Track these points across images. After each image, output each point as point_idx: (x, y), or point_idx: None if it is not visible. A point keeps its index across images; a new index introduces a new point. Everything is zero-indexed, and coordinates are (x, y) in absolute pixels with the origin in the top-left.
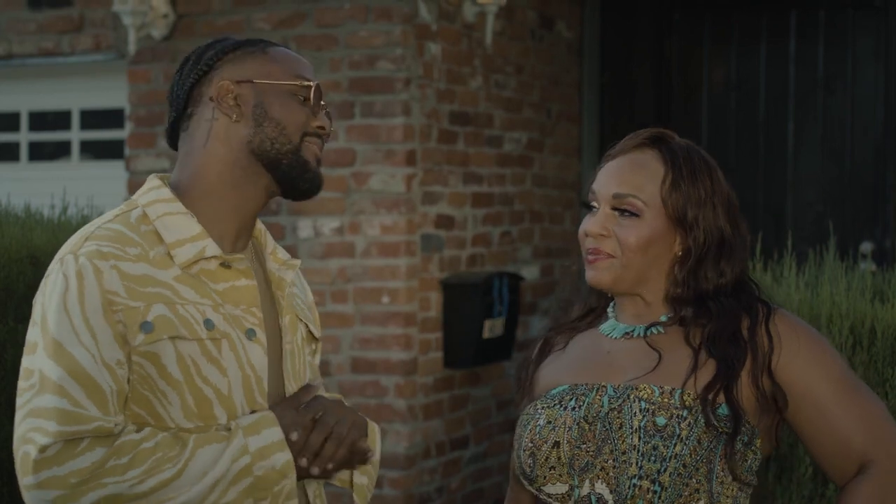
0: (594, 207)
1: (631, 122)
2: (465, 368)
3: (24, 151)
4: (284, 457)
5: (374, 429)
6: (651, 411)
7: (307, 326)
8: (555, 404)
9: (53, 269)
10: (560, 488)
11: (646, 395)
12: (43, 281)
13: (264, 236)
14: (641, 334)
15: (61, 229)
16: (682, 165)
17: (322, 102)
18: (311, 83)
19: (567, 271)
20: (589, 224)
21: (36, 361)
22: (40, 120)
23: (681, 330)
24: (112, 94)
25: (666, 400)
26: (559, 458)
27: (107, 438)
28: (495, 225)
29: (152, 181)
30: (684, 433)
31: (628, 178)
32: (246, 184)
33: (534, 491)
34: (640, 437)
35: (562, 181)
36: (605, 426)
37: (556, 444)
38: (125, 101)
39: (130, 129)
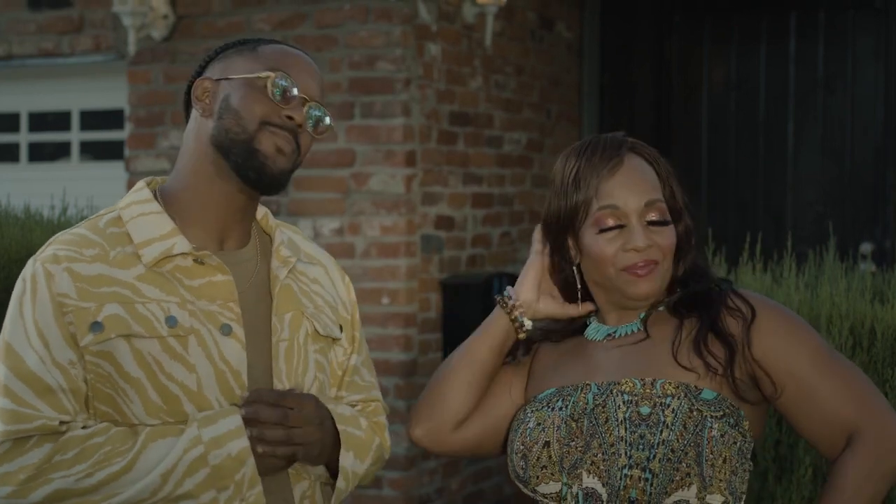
0: (618, 226)
1: (631, 123)
2: None
3: (23, 152)
4: (240, 444)
5: (368, 443)
6: (634, 402)
7: (313, 324)
8: (543, 407)
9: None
10: (553, 487)
11: (628, 388)
12: None
13: (275, 232)
14: (624, 333)
15: (61, 230)
16: (659, 162)
17: (298, 94)
18: (272, 74)
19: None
20: (634, 240)
21: None
22: (40, 121)
23: (661, 313)
24: (112, 94)
25: (648, 390)
26: (550, 457)
27: (53, 435)
28: (495, 226)
29: (137, 185)
30: (669, 419)
31: (646, 186)
32: (217, 178)
33: (528, 493)
34: (626, 428)
35: None
36: (591, 421)
37: (547, 444)
38: (125, 102)
39: (130, 129)
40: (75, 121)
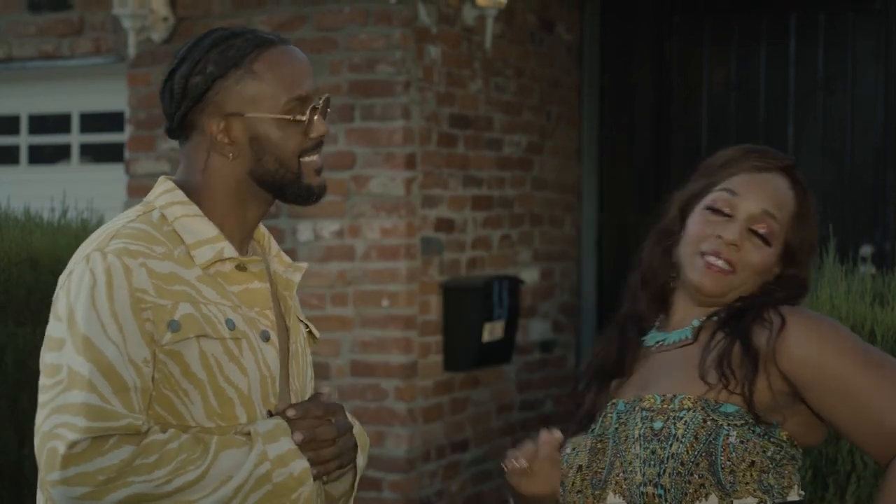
0: (725, 214)
1: (631, 124)
2: (464, 371)
3: (23, 154)
4: (302, 464)
5: (364, 438)
6: (650, 418)
7: (308, 327)
8: (580, 430)
9: (78, 266)
10: None
11: (648, 405)
12: (65, 278)
13: (267, 240)
14: (674, 341)
15: (61, 232)
16: (808, 205)
17: (315, 106)
18: (302, 96)
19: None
20: (727, 231)
21: (63, 357)
22: (40, 123)
23: (712, 323)
24: (112, 97)
25: (666, 406)
26: (583, 481)
27: (135, 437)
28: (495, 228)
29: (165, 184)
30: (680, 431)
31: (774, 200)
32: (249, 200)
33: None
34: (640, 445)
35: (561, 184)
36: (614, 441)
37: (580, 469)
38: (125, 105)
39: (130, 132)
40: (75, 123)
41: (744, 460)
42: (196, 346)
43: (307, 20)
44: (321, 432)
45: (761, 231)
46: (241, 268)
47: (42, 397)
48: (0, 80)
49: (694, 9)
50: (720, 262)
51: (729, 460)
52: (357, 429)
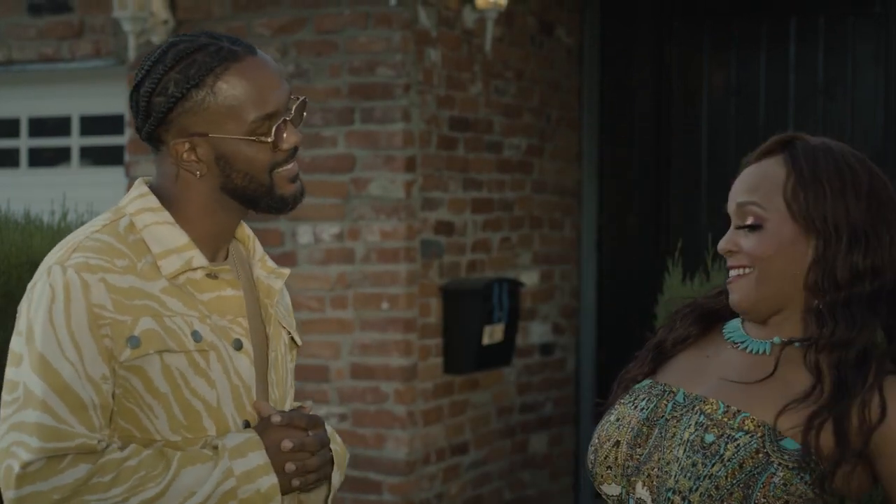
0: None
1: (631, 128)
2: (464, 374)
3: (23, 157)
4: (269, 480)
5: (343, 456)
6: (704, 427)
7: (289, 333)
8: (629, 402)
9: (40, 278)
10: (615, 489)
11: (709, 410)
12: (29, 289)
13: (252, 242)
14: (752, 351)
15: (61, 235)
16: (803, 165)
17: (285, 119)
18: (269, 113)
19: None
20: (720, 242)
21: (21, 374)
22: (40, 126)
23: (800, 352)
24: (112, 99)
25: (726, 420)
26: (616, 459)
27: (90, 455)
28: (495, 231)
29: (140, 187)
30: (728, 454)
31: (750, 185)
32: (222, 211)
33: (596, 488)
34: (684, 451)
35: (561, 187)
36: (661, 432)
37: (617, 444)
38: (125, 107)
39: (130, 135)
40: (75, 126)
41: (779, 499)
42: (158, 361)
43: (307, 23)
44: (308, 443)
45: (747, 223)
46: (212, 276)
47: (2, 413)
48: (0, 82)
49: (694, 12)
50: (731, 273)
51: (765, 497)
52: (337, 445)
